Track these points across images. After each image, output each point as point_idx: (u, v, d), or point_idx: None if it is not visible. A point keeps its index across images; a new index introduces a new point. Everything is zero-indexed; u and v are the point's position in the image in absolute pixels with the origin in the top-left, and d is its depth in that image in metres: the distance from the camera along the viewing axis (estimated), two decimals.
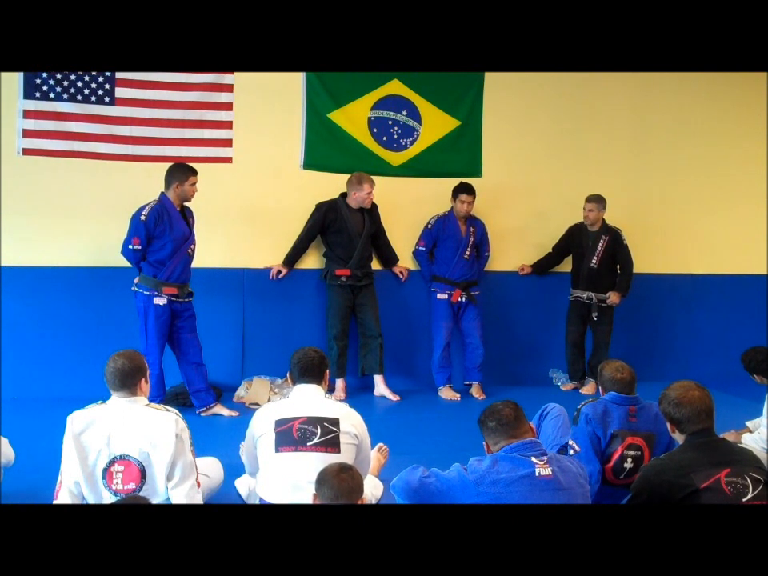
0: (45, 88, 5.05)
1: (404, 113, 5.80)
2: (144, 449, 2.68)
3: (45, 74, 5.03)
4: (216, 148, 5.39)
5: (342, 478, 2.34)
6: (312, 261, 5.65)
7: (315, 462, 2.76)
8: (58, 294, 5.18)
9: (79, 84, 5.11)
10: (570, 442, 3.22)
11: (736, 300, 6.44)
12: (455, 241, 5.61)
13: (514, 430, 2.50)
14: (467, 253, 5.62)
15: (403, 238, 5.76)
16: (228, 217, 5.44)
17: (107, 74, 5.13)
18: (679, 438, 2.60)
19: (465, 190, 5.54)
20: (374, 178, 5.43)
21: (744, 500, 2.36)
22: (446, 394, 5.55)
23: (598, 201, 5.69)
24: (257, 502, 3.02)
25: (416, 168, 5.84)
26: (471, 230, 5.65)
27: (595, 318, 5.80)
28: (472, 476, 2.42)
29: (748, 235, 6.48)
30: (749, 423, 4.19)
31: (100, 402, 2.79)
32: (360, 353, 5.59)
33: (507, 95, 5.96)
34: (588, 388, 5.79)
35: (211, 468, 3.24)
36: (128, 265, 4.75)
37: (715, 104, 6.43)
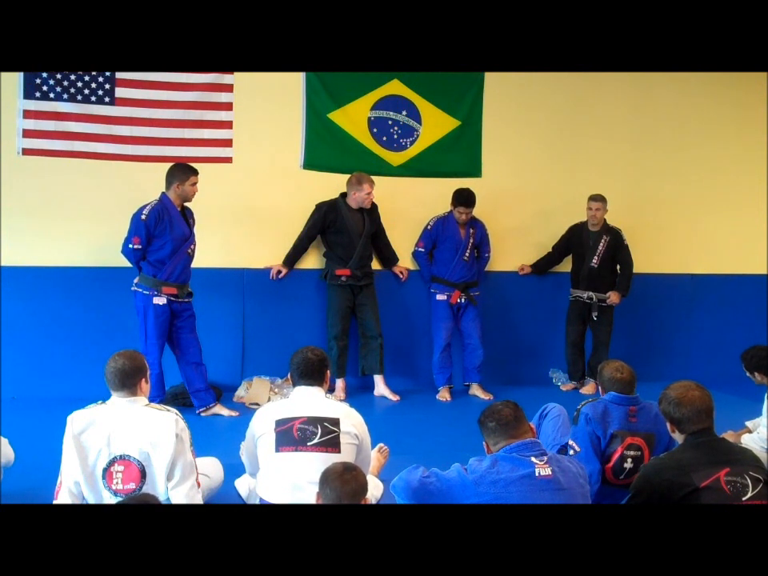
0: (45, 88, 5.05)
1: (404, 113, 5.80)
2: (144, 449, 2.68)
3: (45, 74, 5.03)
4: (216, 148, 5.39)
5: (346, 480, 2.32)
6: (312, 261, 5.65)
7: (315, 462, 2.76)
8: (58, 294, 5.18)
9: (79, 84, 5.11)
10: (570, 442, 3.22)
11: (736, 300, 6.44)
12: (454, 242, 5.60)
13: (514, 430, 2.50)
14: (466, 254, 5.62)
15: (403, 238, 5.76)
16: (228, 217, 5.44)
17: (107, 73, 5.14)
18: (679, 437, 2.61)
19: (463, 203, 5.49)
20: (374, 178, 5.42)
21: (744, 499, 2.37)
22: (440, 395, 5.55)
23: (603, 200, 5.70)
24: (257, 502, 3.02)
25: (416, 168, 5.84)
26: (471, 231, 5.64)
27: (595, 318, 5.80)
28: (472, 476, 2.42)
29: (748, 235, 6.48)
30: (748, 423, 4.19)
31: (100, 402, 2.79)
32: (360, 353, 5.59)
33: (507, 95, 5.96)
34: (588, 388, 5.79)
35: (211, 468, 3.24)
36: (128, 264, 4.75)
37: (715, 104, 6.43)
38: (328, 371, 3.10)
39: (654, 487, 2.49)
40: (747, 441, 3.81)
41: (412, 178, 5.83)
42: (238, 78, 5.39)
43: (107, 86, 5.15)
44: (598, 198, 5.71)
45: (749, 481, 2.40)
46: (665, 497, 2.44)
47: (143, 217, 4.57)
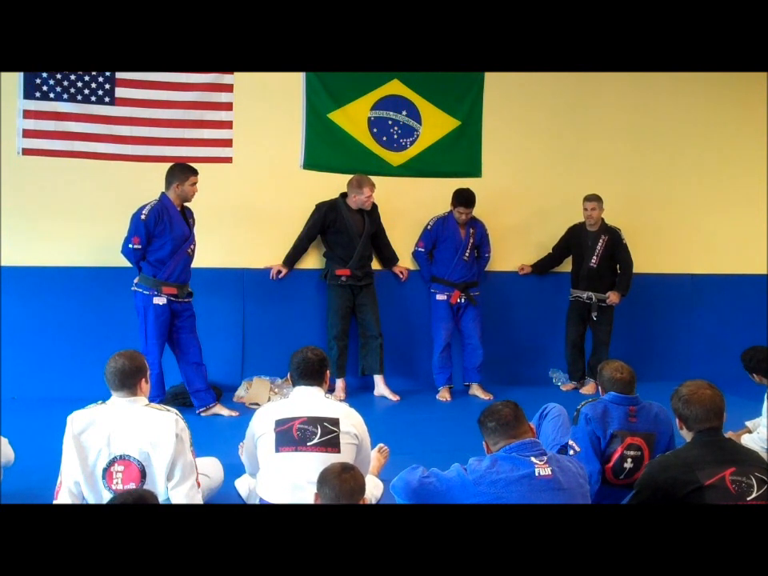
0: (45, 88, 5.05)
1: (404, 113, 5.80)
2: (144, 449, 2.68)
3: (45, 74, 5.04)
4: (216, 148, 5.40)
5: (344, 479, 2.34)
6: (312, 261, 5.65)
7: (315, 462, 2.76)
8: (58, 293, 5.18)
9: (79, 84, 5.11)
10: (570, 442, 3.22)
11: (736, 300, 6.44)
12: (454, 242, 5.60)
13: (514, 430, 2.50)
14: (466, 254, 5.61)
15: (403, 239, 5.76)
16: (228, 217, 5.44)
17: (107, 73, 5.14)
18: (686, 435, 2.62)
19: (463, 203, 5.49)
20: (374, 178, 5.43)
21: (748, 499, 2.37)
22: (440, 395, 5.55)
23: (598, 199, 5.70)
24: (257, 502, 3.02)
25: (416, 168, 5.84)
26: (471, 231, 5.63)
27: (595, 318, 5.80)
28: (471, 476, 2.42)
29: (748, 235, 6.48)
30: (748, 423, 4.19)
31: (100, 402, 2.79)
32: (360, 353, 5.59)
33: (507, 95, 5.96)
34: (588, 388, 5.79)
35: (211, 468, 3.24)
36: (128, 265, 4.75)
37: (715, 104, 6.43)
38: (328, 371, 3.10)
39: (659, 484, 2.50)
40: (747, 441, 3.81)
41: (412, 178, 5.83)
42: (238, 78, 5.39)
43: (107, 86, 5.15)
44: (592, 198, 5.71)
45: (754, 481, 2.40)
46: (669, 494, 2.45)
47: (143, 217, 4.57)
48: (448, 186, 5.62)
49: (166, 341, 4.76)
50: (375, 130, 5.76)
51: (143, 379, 2.80)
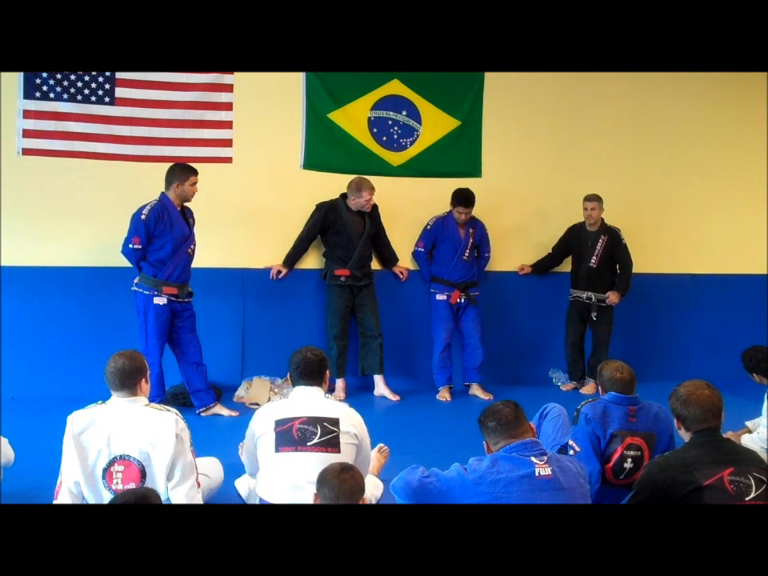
0: (45, 88, 5.05)
1: (404, 113, 5.80)
2: (144, 449, 2.68)
3: (45, 74, 5.04)
4: (216, 148, 5.40)
5: (343, 479, 2.34)
6: (312, 261, 5.65)
7: (315, 462, 2.76)
8: (58, 294, 5.18)
9: (79, 84, 5.11)
10: (570, 442, 3.22)
11: (736, 300, 6.44)
12: (454, 242, 5.60)
13: (514, 429, 2.50)
14: (466, 254, 5.61)
15: (403, 238, 5.75)
16: (228, 217, 5.44)
17: (107, 73, 5.14)
18: (685, 435, 2.62)
19: (462, 203, 5.49)
20: (373, 178, 5.43)
21: (747, 499, 2.37)
22: (440, 395, 5.55)
23: (598, 199, 5.70)
24: (257, 502, 3.02)
25: (416, 168, 5.84)
26: (471, 231, 5.63)
27: (595, 318, 5.80)
28: (472, 476, 2.42)
29: (748, 235, 6.48)
30: (748, 423, 4.19)
31: (100, 402, 2.79)
32: (360, 353, 5.59)
33: (507, 95, 5.96)
34: (588, 388, 5.79)
35: (211, 468, 3.24)
36: (128, 265, 4.75)
37: (715, 104, 6.43)
38: (327, 371, 3.10)
39: (658, 484, 2.50)
40: (747, 441, 3.81)
41: (412, 178, 5.83)
42: (238, 78, 5.39)
43: (107, 86, 5.16)
44: (592, 198, 5.71)
45: (752, 481, 2.40)
46: (668, 494, 2.45)
47: (143, 217, 4.57)
48: (448, 186, 5.62)
49: (166, 341, 4.76)
50: (375, 130, 5.76)
51: (143, 379, 2.80)
